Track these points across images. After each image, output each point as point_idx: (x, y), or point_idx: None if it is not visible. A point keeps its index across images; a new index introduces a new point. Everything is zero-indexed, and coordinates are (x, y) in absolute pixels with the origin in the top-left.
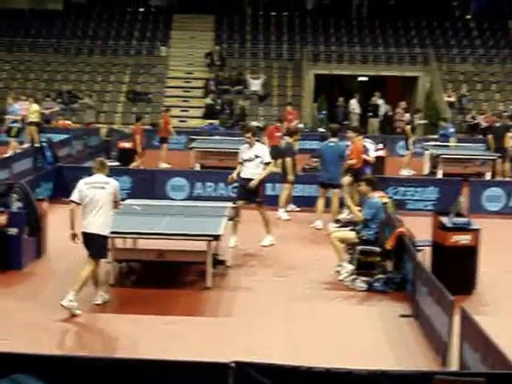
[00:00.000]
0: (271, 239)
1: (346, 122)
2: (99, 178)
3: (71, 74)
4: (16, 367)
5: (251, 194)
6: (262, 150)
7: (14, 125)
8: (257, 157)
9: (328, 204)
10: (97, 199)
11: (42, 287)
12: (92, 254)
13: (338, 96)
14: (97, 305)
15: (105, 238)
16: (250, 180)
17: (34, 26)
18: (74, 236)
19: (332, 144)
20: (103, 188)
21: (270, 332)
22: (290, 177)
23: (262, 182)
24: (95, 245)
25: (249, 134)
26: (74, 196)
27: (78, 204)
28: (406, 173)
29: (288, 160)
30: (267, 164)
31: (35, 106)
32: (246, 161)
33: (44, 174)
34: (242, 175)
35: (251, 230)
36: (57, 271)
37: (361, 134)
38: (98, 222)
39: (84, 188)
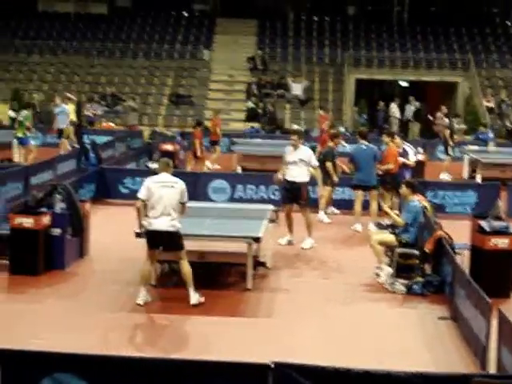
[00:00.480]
0: (312, 242)
1: (386, 126)
2: (167, 177)
3: (115, 77)
4: (58, 366)
5: (296, 196)
6: (307, 153)
7: (67, 126)
8: (301, 160)
9: (365, 206)
10: (166, 198)
11: (83, 287)
12: (168, 249)
13: (379, 100)
14: (138, 305)
15: (177, 232)
16: (293, 183)
17: (79, 29)
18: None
19: (364, 147)
20: (172, 187)
21: (310, 333)
22: (335, 178)
23: (307, 184)
24: (169, 241)
25: (294, 137)
26: (141, 193)
27: (144, 201)
28: (444, 177)
29: (329, 164)
30: (315, 167)
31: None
32: (289, 163)
33: (87, 175)
34: (286, 177)
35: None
36: (99, 271)
37: (394, 137)
38: (168, 220)
39: (153, 186)
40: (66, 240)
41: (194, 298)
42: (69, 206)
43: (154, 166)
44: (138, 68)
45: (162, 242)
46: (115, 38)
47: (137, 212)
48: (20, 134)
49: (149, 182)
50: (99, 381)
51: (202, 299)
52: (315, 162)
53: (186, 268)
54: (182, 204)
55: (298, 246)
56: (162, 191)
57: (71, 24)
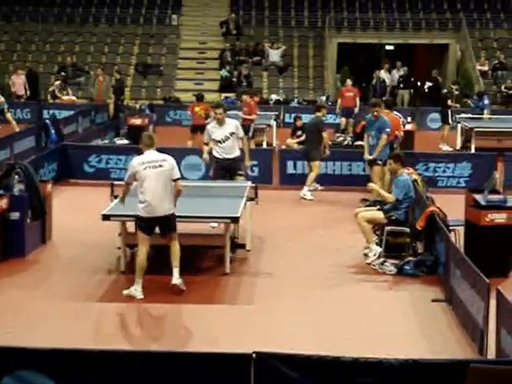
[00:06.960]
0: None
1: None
2: (153, 155)
3: (75, 46)
4: (21, 363)
5: (233, 172)
6: (235, 124)
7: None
8: (232, 134)
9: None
10: (155, 180)
11: (46, 275)
12: (165, 233)
13: (365, 66)
14: (140, 299)
15: (173, 214)
16: (230, 159)
17: None
18: None
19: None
20: (161, 166)
21: (294, 319)
22: (328, 151)
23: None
24: (166, 225)
25: (220, 110)
26: (127, 177)
27: (129, 185)
28: (444, 148)
29: (325, 135)
30: (242, 138)
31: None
32: (219, 141)
33: (48, 153)
34: (219, 156)
35: (271, 210)
36: (62, 258)
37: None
38: (162, 204)
39: (139, 168)
40: (26, 224)
41: (177, 279)
42: (28, 188)
43: (121, 142)
44: (101, 35)
45: (159, 227)
46: (75, 3)
47: (123, 195)
48: None
49: (134, 163)
50: (67, 378)
51: (183, 287)
52: (242, 133)
53: (177, 248)
54: (175, 181)
55: (278, 226)
56: (150, 173)
57: None
